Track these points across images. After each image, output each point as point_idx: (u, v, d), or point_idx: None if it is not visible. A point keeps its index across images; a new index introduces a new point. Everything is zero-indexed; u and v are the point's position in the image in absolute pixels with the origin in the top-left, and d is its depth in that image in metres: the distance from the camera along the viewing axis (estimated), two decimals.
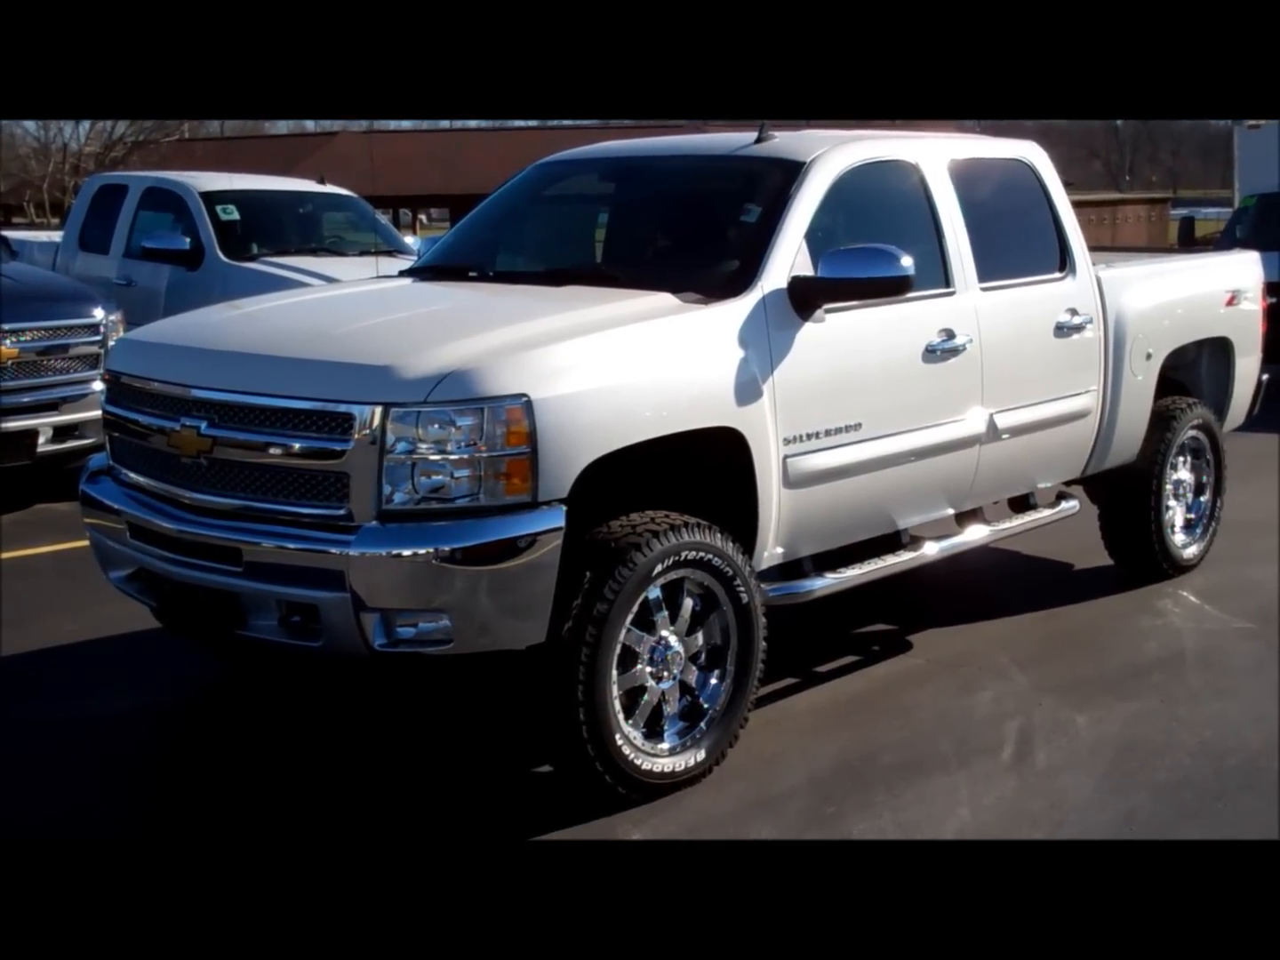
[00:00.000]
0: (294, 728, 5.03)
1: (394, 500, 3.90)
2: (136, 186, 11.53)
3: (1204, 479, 6.79)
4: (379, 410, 3.88)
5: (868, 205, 5.28)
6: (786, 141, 5.22)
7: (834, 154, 5.04)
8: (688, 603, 4.35)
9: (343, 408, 3.94)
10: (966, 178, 5.49)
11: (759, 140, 5.22)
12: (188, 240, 10.40)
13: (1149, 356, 6.22)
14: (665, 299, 4.56)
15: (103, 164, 28.00)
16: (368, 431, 3.89)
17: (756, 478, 4.51)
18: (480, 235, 5.84)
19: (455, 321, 4.64)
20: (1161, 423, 6.38)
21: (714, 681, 4.44)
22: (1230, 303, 6.84)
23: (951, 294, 5.27)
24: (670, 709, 4.36)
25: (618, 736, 4.14)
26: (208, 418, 4.21)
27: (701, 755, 4.38)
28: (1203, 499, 6.80)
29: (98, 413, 5.80)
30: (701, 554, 4.28)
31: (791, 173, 4.93)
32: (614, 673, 4.13)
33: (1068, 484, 6.27)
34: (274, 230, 11.17)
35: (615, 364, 4.19)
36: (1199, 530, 6.78)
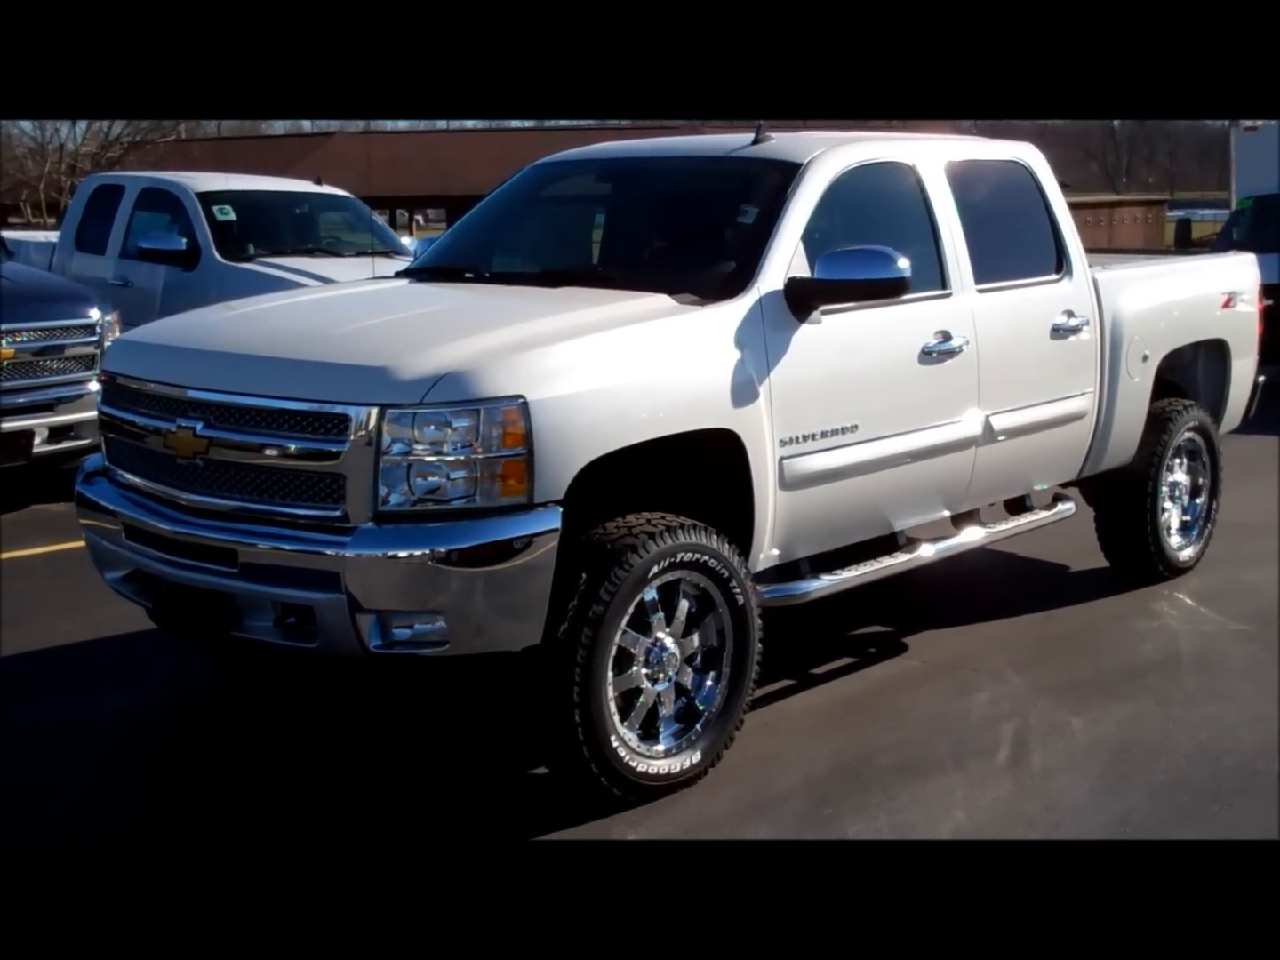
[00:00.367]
0: (291, 728, 5.03)
1: (390, 501, 3.90)
2: (133, 187, 11.52)
3: (1200, 481, 6.79)
4: (375, 411, 3.88)
5: (864, 207, 5.27)
6: (783, 143, 5.22)
7: (831, 155, 5.04)
8: (683, 604, 4.35)
9: (338, 409, 3.94)
10: (963, 179, 5.49)
11: (756, 141, 5.22)
12: (184, 241, 10.39)
13: (1145, 358, 6.22)
14: (662, 300, 4.56)
15: (99, 164, 28.02)
16: (363, 433, 3.88)
17: (753, 479, 4.50)
18: (477, 236, 5.83)
19: (451, 323, 4.63)
20: (1158, 425, 6.38)
21: (709, 683, 4.44)
22: (1227, 305, 6.85)
23: (948, 296, 5.27)
24: (666, 711, 4.36)
25: (613, 738, 4.14)
26: (203, 419, 4.21)
27: (697, 757, 4.37)
28: (1199, 501, 6.80)
29: (93, 413, 5.81)
30: (697, 556, 4.27)
31: (788, 174, 4.93)
32: (609, 674, 4.12)
33: (1064, 486, 6.27)
34: (270, 231, 11.16)
35: (611, 365, 4.19)
36: (1195, 532, 6.78)
